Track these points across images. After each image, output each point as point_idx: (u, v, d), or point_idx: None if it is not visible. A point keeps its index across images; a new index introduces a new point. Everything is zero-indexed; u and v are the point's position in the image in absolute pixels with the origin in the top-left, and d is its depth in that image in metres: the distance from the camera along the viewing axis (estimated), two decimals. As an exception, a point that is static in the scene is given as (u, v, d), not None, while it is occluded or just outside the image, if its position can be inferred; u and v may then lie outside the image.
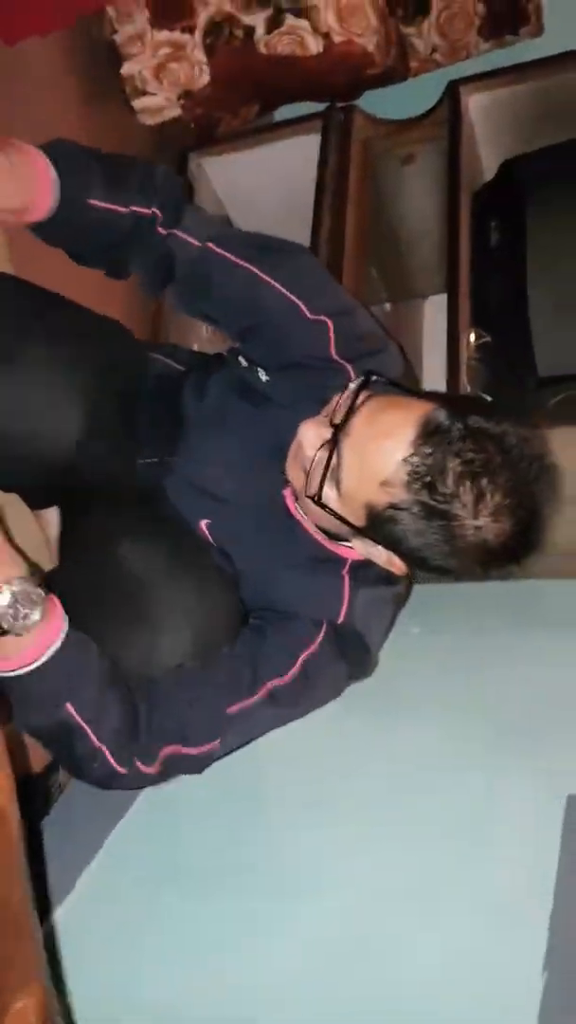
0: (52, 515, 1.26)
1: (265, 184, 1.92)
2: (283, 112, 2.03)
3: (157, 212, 1.05)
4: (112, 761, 0.93)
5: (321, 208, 1.76)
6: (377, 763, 1.23)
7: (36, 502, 1.23)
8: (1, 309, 1.07)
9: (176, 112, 1.71)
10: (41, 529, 1.27)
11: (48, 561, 1.25)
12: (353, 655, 1.06)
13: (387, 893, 1.05)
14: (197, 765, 0.99)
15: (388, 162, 1.82)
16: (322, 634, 1.02)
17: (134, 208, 1.04)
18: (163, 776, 0.98)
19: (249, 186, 1.94)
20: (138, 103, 1.67)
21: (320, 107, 1.88)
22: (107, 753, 0.93)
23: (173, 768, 0.98)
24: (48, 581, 1.11)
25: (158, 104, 1.68)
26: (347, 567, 1.06)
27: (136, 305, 1.68)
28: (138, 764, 0.95)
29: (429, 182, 1.80)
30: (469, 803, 1.15)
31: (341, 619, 1.04)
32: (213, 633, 1.00)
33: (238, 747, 1.03)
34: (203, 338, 1.85)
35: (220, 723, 0.98)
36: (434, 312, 1.82)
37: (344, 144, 1.79)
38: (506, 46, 1.91)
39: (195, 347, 1.75)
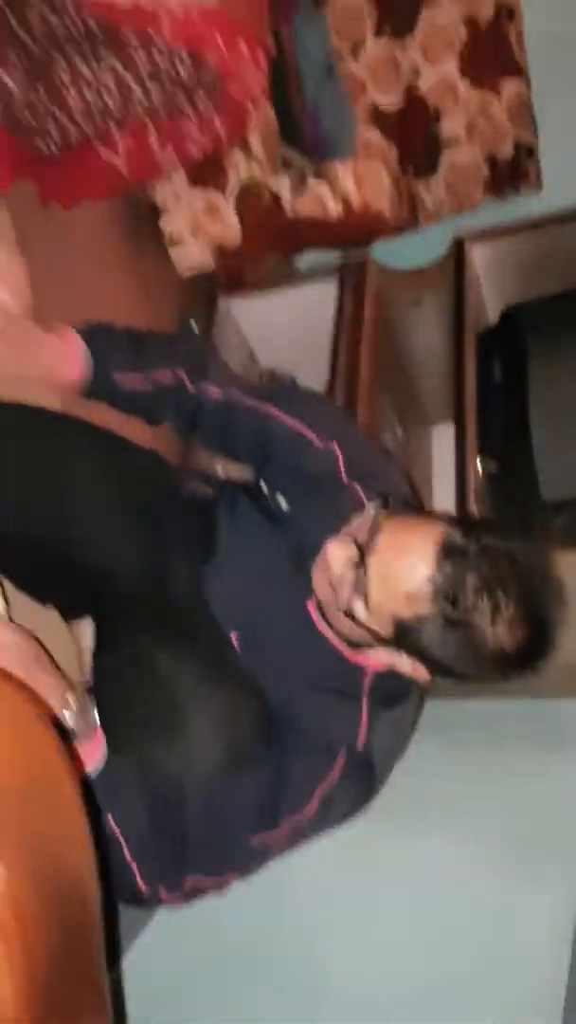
0: (87, 626, 1.35)
1: (287, 324, 2.09)
2: (304, 258, 2.22)
3: (182, 374, 1.19)
4: (139, 880, 0.98)
5: (338, 345, 1.91)
6: (391, 874, 1.26)
7: (72, 613, 1.30)
8: (61, 439, 1.20)
9: (209, 263, 1.89)
10: (75, 640, 1.35)
11: (80, 672, 1.32)
12: (366, 782, 1.11)
13: (399, 1002, 1.07)
14: (218, 891, 1.04)
15: (399, 305, 1.98)
16: (339, 762, 1.08)
17: (155, 376, 1.18)
18: (183, 902, 1.02)
19: (273, 326, 2.11)
20: (175, 255, 1.85)
21: (337, 255, 2.07)
22: (135, 871, 0.98)
23: (194, 895, 1.03)
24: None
25: (193, 256, 1.86)
26: (367, 681, 1.13)
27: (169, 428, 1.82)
28: (161, 889, 1.00)
29: (437, 322, 1.96)
30: (481, 916, 1.18)
31: (359, 745, 1.10)
32: (243, 745, 1.06)
33: (256, 872, 1.08)
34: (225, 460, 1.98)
35: (242, 854, 1.04)
36: (443, 439, 1.95)
37: (359, 290, 1.96)
38: (508, 201, 2.11)
39: (219, 468, 1.88)
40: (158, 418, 1.23)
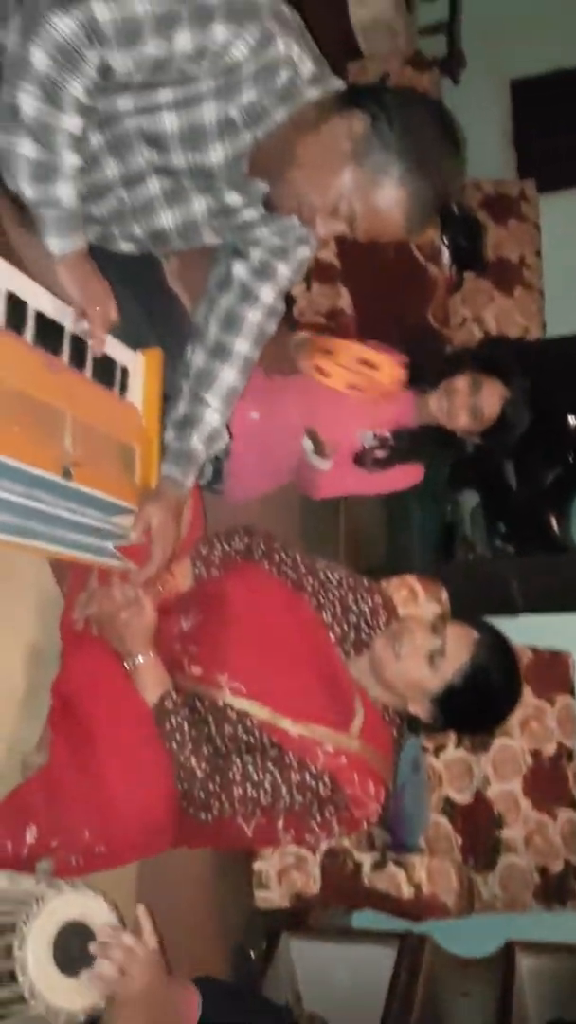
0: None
1: (341, 978, 2.22)
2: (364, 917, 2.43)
3: None
4: None
5: (388, 1017, 2.01)
6: None
7: None
8: None
9: (285, 905, 2.12)
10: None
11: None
12: None
13: None
14: None
15: (449, 990, 2.12)
16: None
17: None
18: None
19: (326, 974, 2.24)
20: (259, 894, 2.10)
21: (396, 922, 2.27)
22: None
23: None
24: None
25: (274, 898, 2.10)
26: None
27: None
28: None
29: (483, 1017, 2.06)
30: None
31: None
32: None
33: None
34: None
35: None
36: None
37: (415, 964, 2.12)
38: (555, 912, 2.35)
39: None
40: None
